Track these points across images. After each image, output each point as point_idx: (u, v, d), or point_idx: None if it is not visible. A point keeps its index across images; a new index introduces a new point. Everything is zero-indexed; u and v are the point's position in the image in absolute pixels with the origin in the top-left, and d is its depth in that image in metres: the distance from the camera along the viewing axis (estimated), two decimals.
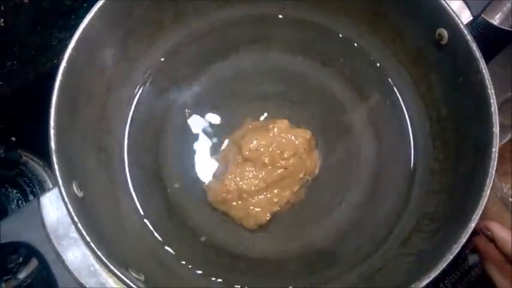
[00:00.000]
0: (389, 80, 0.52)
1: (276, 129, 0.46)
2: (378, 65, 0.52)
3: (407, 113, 0.51)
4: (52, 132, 0.38)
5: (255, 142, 0.46)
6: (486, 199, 0.38)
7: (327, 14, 0.52)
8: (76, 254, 0.38)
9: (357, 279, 0.45)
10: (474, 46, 0.41)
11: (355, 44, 0.53)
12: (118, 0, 0.43)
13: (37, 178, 0.55)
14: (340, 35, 0.53)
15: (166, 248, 0.46)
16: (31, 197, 0.54)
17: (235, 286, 0.45)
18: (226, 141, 0.49)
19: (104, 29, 0.44)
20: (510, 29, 0.52)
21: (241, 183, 0.45)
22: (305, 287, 0.45)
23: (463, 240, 0.37)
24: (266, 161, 0.46)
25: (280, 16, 0.53)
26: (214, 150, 0.49)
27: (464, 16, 0.44)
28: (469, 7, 0.45)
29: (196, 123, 0.50)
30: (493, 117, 0.39)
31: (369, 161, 0.49)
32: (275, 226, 0.47)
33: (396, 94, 0.51)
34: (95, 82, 0.45)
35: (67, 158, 0.39)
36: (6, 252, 0.50)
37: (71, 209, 0.36)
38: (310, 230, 0.47)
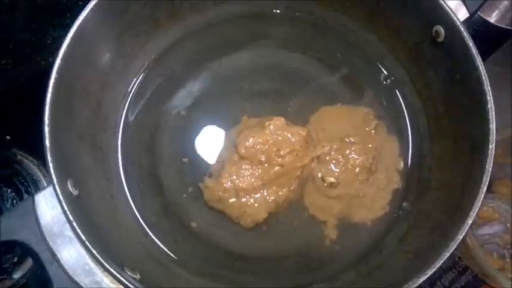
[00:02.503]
0: (387, 77, 0.52)
1: (271, 127, 0.46)
2: (375, 61, 0.52)
3: (405, 110, 0.51)
4: (46, 129, 0.37)
5: (250, 140, 0.46)
6: (483, 196, 0.38)
7: (324, 10, 0.52)
8: (71, 252, 0.37)
9: (355, 277, 0.45)
10: (471, 43, 0.41)
11: (352, 41, 0.53)
12: None
13: (32, 177, 0.54)
14: (338, 32, 0.53)
15: (162, 246, 0.46)
16: (26, 196, 0.54)
17: (232, 284, 0.45)
18: (222, 139, 0.49)
19: (99, 26, 0.43)
20: (507, 27, 0.52)
21: (237, 181, 0.45)
22: (303, 285, 0.45)
23: (460, 237, 0.37)
24: (262, 159, 0.45)
25: (277, 13, 0.53)
26: (210, 148, 0.49)
27: (461, 14, 0.44)
28: (465, 5, 0.45)
29: (192, 121, 0.50)
30: (490, 114, 0.40)
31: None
32: (272, 224, 0.46)
33: (393, 91, 0.51)
34: (90, 80, 0.45)
35: (62, 156, 0.38)
36: (1, 252, 0.50)
37: (66, 208, 0.36)
38: (308, 228, 0.47)
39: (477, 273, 0.53)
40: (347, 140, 0.48)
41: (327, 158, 0.48)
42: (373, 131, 0.49)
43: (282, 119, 0.47)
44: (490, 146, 0.39)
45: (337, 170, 0.47)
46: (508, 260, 0.52)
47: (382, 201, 0.48)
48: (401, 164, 0.49)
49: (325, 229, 0.47)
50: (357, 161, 0.47)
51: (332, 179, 0.47)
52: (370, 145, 0.48)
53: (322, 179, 0.47)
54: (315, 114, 0.50)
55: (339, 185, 0.47)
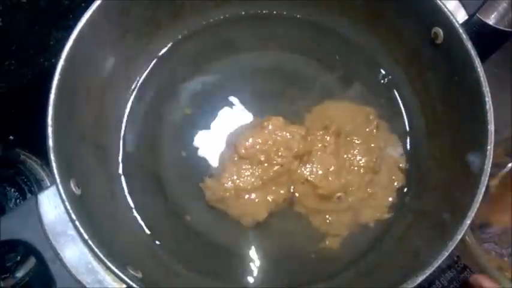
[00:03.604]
0: (386, 78, 0.52)
1: (270, 126, 0.46)
2: (374, 63, 0.53)
3: (404, 111, 0.51)
4: (50, 130, 0.38)
5: (250, 140, 0.46)
6: (481, 196, 0.38)
7: (325, 12, 0.53)
8: (74, 251, 0.38)
9: (354, 276, 0.45)
10: (469, 45, 0.41)
11: (352, 43, 0.53)
12: None
13: (35, 177, 0.55)
14: (337, 34, 0.53)
15: (163, 246, 0.46)
16: (29, 196, 0.54)
17: (232, 284, 0.45)
18: (222, 140, 0.49)
19: (101, 28, 0.44)
20: (505, 29, 0.53)
21: (238, 181, 0.46)
22: (303, 285, 0.45)
23: (459, 237, 0.37)
24: (262, 159, 0.46)
25: (277, 14, 0.54)
26: (211, 148, 0.49)
27: (460, 15, 0.45)
28: (464, 6, 0.45)
29: (193, 121, 0.50)
30: (488, 115, 0.40)
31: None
32: (273, 224, 0.47)
33: (393, 93, 0.52)
34: (93, 81, 0.45)
35: (65, 156, 0.39)
36: (4, 251, 0.50)
37: (69, 207, 0.36)
38: (308, 227, 0.47)
39: (476, 272, 0.53)
40: (349, 139, 0.49)
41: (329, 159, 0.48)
42: (374, 130, 0.50)
43: (281, 119, 0.47)
44: (488, 147, 0.39)
45: (343, 173, 0.47)
46: (506, 259, 0.52)
47: (387, 200, 0.48)
48: (404, 161, 0.49)
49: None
50: (361, 162, 0.48)
51: (339, 194, 0.47)
52: (373, 145, 0.49)
53: (329, 196, 0.47)
54: (318, 106, 0.50)
55: (346, 195, 0.47)
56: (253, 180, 0.46)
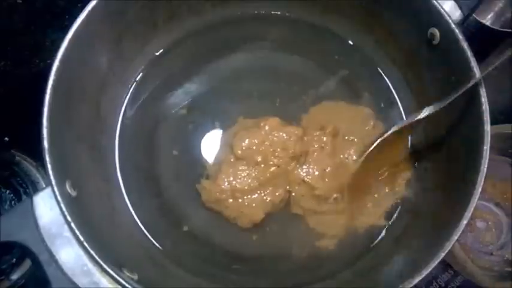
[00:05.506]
0: (383, 79, 0.52)
1: (267, 127, 0.46)
2: (372, 64, 0.53)
3: (401, 112, 0.51)
4: (45, 131, 0.38)
5: (246, 141, 0.46)
6: (478, 196, 0.38)
7: (322, 13, 0.53)
8: (69, 253, 0.37)
9: (351, 277, 0.45)
10: (465, 45, 0.42)
11: (350, 44, 0.53)
12: (111, 0, 0.43)
13: (30, 178, 0.54)
14: (335, 35, 0.53)
15: (160, 247, 0.46)
16: (24, 198, 0.54)
17: (229, 284, 0.45)
18: (219, 141, 0.49)
19: (97, 28, 0.44)
20: (501, 29, 0.53)
21: (234, 182, 0.45)
22: (299, 285, 0.45)
23: (455, 237, 0.37)
24: (258, 160, 0.46)
25: (275, 15, 0.54)
26: (207, 149, 0.49)
27: (456, 16, 0.45)
28: (460, 7, 0.45)
29: (189, 122, 0.50)
30: (485, 115, 0.40)
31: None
32: (269, 225, 0.47)
33: (390, 93, 0.52)
34: (89, 81, 0.45)
35: (60, 157, 0.39)
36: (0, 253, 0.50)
37: (64, 209, 0.36)
38: (305, 228, 0.47)
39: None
40: (346, 139, 0.49)
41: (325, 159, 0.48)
42: (371, 131, 0.49)
43: (277, 119, 0.47)
44: (485, 147, 0.39)
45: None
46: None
47: (385, 201, 0.48)
48: (400, 164, 0.49)
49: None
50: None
51: (336, 194, 0.47)
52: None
53: (325, 197, 0.47)
54: (315, 107, 0.50)
55: (343, 197, 0.47)
56: (249, 181, 0.46)
